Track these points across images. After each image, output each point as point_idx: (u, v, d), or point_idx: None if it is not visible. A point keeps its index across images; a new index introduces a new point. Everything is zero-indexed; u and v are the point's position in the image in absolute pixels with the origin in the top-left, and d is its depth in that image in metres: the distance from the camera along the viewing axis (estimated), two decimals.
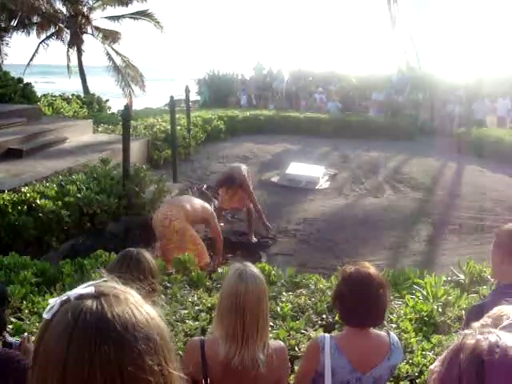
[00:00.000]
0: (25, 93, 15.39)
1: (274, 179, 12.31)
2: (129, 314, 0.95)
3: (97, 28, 27.23)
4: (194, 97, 24.12)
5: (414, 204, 10.84)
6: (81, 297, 0.97)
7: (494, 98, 20.17)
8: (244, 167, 8.73)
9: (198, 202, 7.13)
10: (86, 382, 0.89)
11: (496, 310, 1.39)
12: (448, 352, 1.15)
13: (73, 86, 27.35)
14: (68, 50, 27.15)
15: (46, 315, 0.96)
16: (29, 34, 25.83)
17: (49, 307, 0.97)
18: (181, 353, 3.33)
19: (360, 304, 2.57)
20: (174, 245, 6.48)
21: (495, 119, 19.77)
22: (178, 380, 0.99)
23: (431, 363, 3.49)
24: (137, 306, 0.98)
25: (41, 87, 21.46)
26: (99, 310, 0.93)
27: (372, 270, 2.65)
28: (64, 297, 0.98)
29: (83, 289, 0.98)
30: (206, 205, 7.25)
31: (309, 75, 25.82)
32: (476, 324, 1.27)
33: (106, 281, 1.03)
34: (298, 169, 12.40)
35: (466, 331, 1.16)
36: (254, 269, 2.56)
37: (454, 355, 1.12)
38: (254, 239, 8.56)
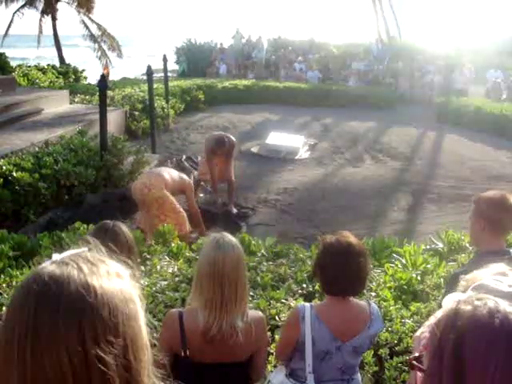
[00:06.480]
0: None
1: (254, 149, 12.25)
2: (90, 280, 0.97)
3: None
4: (172, 66, 23.78)
5: (394, 173, 10.89)
6: (54, 262, 1.01)
7: (476, 68, 20.18)
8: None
9: (177, 174, 7.07)
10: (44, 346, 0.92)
11: (471, 276, 1.39)
12: (442, 317, 1.12)
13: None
14: (41, 20, 26.36)
15: None
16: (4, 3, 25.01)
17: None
18: (161, 323, 3.33)
19: (341, 273, 2.56)
20: (154, 213, 6.49)
21: (481, 90, 19.76)
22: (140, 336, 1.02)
23: (410, 331, 3.53)
24: (103, 273, 1.01)
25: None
26: (58, 275, 0.97)
27: (352, 239, 2.64)
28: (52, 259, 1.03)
29: (62, 254, 1.03)
30: (185, 177, 7.20)
31: (288, 44, 25.64)
32: (456, 293, 1.25)
33: (84, 250, 1.06)
34: (278, 139, 12.34)
35: (460, 297, 1.14)
36: (231, 237, 2.56)
37: (450, 320, 1.10)
38: (234, 210, 8.54)
